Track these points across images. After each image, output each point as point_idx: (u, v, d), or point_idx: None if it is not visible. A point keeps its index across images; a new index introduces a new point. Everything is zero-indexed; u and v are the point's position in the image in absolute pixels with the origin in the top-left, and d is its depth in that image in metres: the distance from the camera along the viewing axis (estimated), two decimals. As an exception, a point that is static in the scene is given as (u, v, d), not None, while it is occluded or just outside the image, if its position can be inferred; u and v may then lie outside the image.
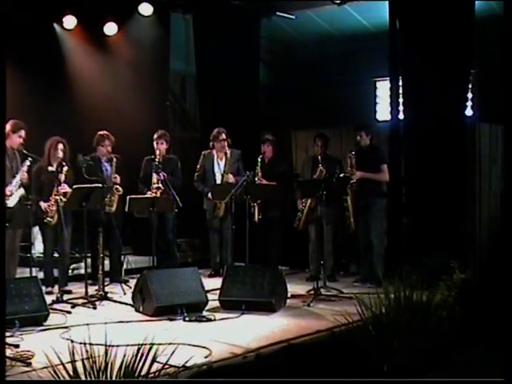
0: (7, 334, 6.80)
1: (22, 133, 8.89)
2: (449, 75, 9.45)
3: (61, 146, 9.31)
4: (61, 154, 9.28)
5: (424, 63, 9.60)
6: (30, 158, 8.83)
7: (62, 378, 4.53)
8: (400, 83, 10.09)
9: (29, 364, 5.90)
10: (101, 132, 10.05)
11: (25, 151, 8.85)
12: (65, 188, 9.09)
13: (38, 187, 9.16)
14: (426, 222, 9.64)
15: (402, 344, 6.75)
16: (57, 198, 9.08)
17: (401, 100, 10.11)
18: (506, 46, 8.06)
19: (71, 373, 4.53)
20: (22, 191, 8.80)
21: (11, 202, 8.67)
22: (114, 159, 9.91)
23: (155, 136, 10.39)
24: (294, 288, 9.25)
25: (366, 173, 9.81)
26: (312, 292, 8.94)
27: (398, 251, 9.73)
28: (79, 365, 4.58)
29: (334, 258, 10.35)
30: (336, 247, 10.40)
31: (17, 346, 6.43)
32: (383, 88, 13.66)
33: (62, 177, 9.12)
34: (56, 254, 9.68)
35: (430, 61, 9.54)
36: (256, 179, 10.37)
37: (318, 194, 9.15)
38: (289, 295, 8.68)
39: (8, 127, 8.79)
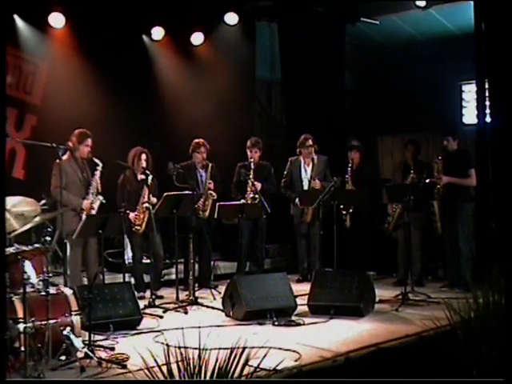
0: (102, 337, 7.06)
1: (89, 141, 8.87)
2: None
3: (144, 155, 9.53)
4: (144, 164, 9.48)
5: (511, 65, 9.50)
6: (100, 165, 8.88)
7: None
8: (487, 86, 10.02)
9: (124, 366, 6.11)
10: (196, 140, 10.19)
11: (94, 158, 8.90)
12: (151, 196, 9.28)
13: (124, 196, 9.15)
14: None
15: (491, 348, 6.71)
16: (145, 205, 9.29)
17: (488, 103, 10.04)
18: None
19: (166, 374, 4.65)
20: (100, 198, 8.90)
21: (94, 211, 8.83)
22: (210, 165, 10.07)
23: (249, 143, 10.49)
24: (382, 293, 9.26)
25: (453, 178, 9.76)
26: (400, 297, 8.96)
27: (486, 256, 9.63)
28: (173, 367, 4.69)
29: (421, 262, 10.31)
30: (423, 252, 10.36)
31: (112, 349, 6.66)
32: (469, 91, 13.52)
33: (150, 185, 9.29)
34: (145, 260, 9.91)
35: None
36: (346, 186, 10.41)
37: (405, 199, 9.17)
38: (377, 300, 8.70)
39: (74, 139, 8.83)
